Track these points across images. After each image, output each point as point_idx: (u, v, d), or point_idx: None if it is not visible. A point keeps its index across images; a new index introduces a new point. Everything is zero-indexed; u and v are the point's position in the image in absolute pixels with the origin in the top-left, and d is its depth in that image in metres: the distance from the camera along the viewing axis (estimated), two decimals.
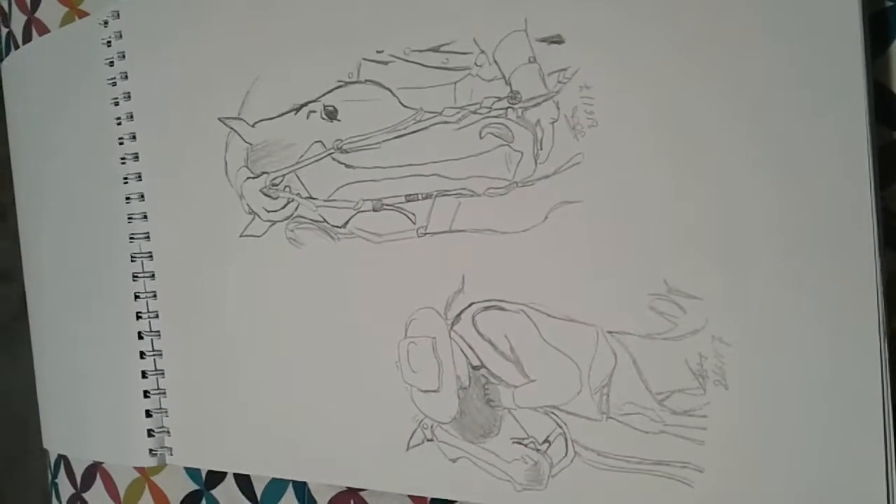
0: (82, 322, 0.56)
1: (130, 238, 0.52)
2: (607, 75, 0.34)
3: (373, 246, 0.41)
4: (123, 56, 0.51)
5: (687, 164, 0.32)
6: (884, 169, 0.30)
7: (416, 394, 0.40)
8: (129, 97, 0.51)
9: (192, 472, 0.54)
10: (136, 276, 0.52)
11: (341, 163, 0.42)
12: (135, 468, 0.57)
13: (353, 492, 0.46)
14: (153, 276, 0.51)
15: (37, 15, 0.60)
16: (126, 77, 0.51)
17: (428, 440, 0.40)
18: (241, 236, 0.46)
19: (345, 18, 0.41)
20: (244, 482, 0.51)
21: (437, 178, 0.39)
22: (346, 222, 0.42)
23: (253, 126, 0.45)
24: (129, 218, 0.51)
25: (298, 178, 0.43)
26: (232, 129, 0.46)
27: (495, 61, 0.36)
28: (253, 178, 0.45)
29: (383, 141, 0.40)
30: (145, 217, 0.51)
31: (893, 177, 0.30)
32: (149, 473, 0.57)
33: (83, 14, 0.56)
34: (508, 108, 0.36)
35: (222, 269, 0.47)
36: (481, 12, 0.37)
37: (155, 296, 0.51)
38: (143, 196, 0.51)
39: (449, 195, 0.38)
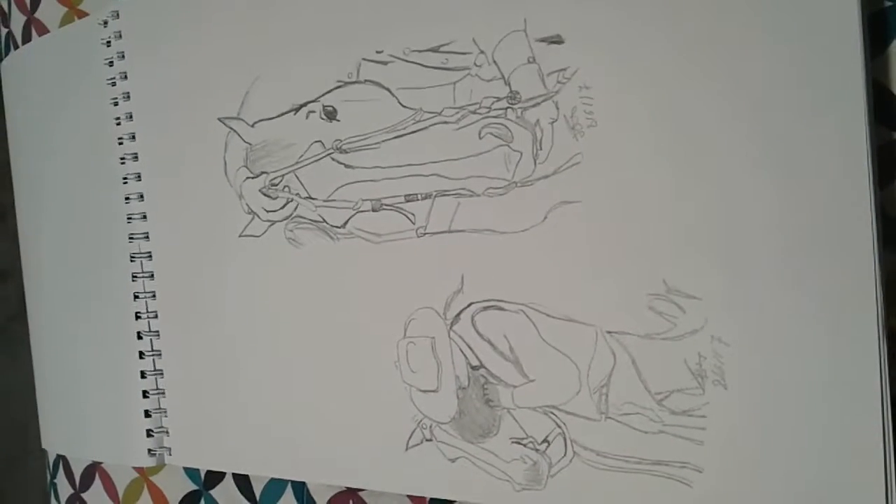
0: (81, 322, 0.56)
1: (130, 238, 0.52)
2: (607, 75, 0.34)
3: (372, 246, 0.41)
4: (123, 56, 0.51)
5: (686, 165, 0.32)
6: (882, 168, 0.30)
7: (416, 394, 0.40)
8: (129, 97, 0.51)
9: (191, 472, 0.54)
10: (136, 276, 0.52)
11: (341, 163, 0.42)
12: (133, 468, 0.57)
13: (352, 492, 0.46)
14: (152, 276, 0.51)
15: (36, 15, 0.60)
16: (125, 77, 0.51)
17: (427, 440, 0.40)
18: (240, 236, 0.46)
19: (344, 18, 0.41)
20: (243, 482, 0.51)
21: (436, 178, 0.39)
22: (346, 222, 0.42)
23: (252, 126, 0.45)
24: (129, 218, 0.51)
25: (298, 178, 0.43)
26: (231, 129, 0.46)
27: (494, 61, 0.37)
28: (252, 177, 0.45)
29: (383, 141, 0.40)
30: (144, 217, 0.51)
31: (892, 176, 0.31)
32: (148, 473, 0.57)
33: (83, 14, 0.56)
34: (508, 108, 0.36)
35: (221, 269, 0.47)
36: (481, 12, 0.37)
37: (154, 296, 0.51)
38: (142, 196, 0.51)
39: (448, 195, 0.38)
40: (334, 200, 0.42)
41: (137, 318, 0.52)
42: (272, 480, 0.49)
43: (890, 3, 0.30)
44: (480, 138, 0.37)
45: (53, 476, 0.65)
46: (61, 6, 0.58)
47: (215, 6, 0.46)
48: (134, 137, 0.51)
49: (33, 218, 0.60)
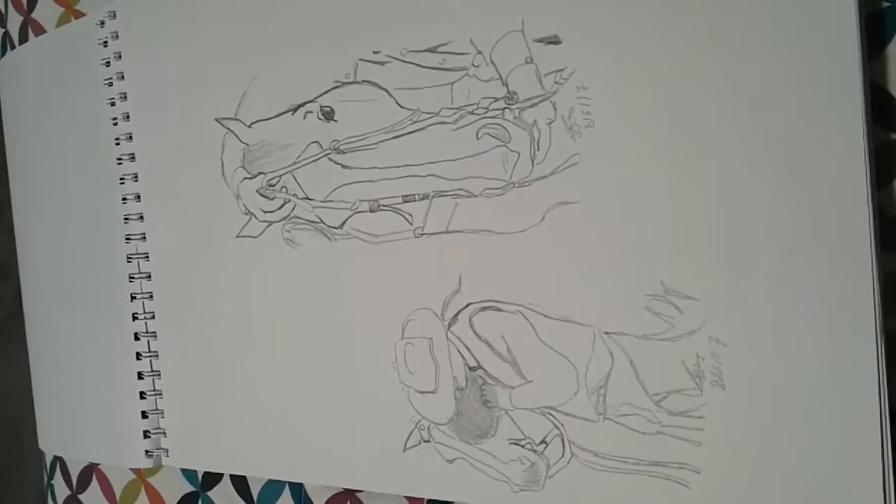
0: (78, 323, 0.56)
1: (127, 239, 0.51)
2: (604, 76, 0.34)
3: (369, 247, 0.41)
4: (120, 56, 0.51)
5: (683, 165, 0.32)
6: (880, 169, 0.30)
7: (413, 395, 0.40)
8: (126, 98, 0.51)
9: (189, 474, 0.54)
10: (133, 277, 0.52)
11: (338, 163, 0.41)
12: (131, 469, 0.57)
13: (349, 493, 0.46)
14: (149, 277, 0.51)
15: (33, 15, 0.60)
16: (122, 77, 0.51)
17: (425, 441, 0.40)
18: (237, 237, 0.46)
19: (342, 19, 0.41)
20: (240, 483, 0.51)
21: (433, 178, 0.39)
22: (343, 223, 0.42)
23: (250, 126, 0.45)
24: (126, 218, 0.51)
25: (295, 178, 0.43)
26: (228, 129, 0.46)
27: (492, 62, 0.36)
28: (249, 178, 0.45)
29: (380, 141, 0.40)
30: (142, 218, 0.51)
31: (890, 177, 0.31)
32: (145, 475, 0.57)
33: (79, 14, 0.56)
34: (505, 108, 0.36)
35: (219, 269, 0.47)
36: (478, 13, 0.37)
37: (151, 297, 0.51)
38: (139, 197, 0.51)
39: (446, 196, 0.38)
40: (332, 201, 0.42)
41: (134, 318, 0.52)
42: (270, 482, 0.49)
43: (887, 4, 0.30)
44: (478, 139, 0.37)
45: (50, 477, 0.65)
46: (58, 6, 0.58)
47: (212, 6, 0.46)
48: (131, 138, 0.51)
49: (30, 218, 0.60)
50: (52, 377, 0.59)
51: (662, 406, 0.34)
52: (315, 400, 0.44)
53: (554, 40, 0.35)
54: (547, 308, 0.36)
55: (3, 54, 0.62)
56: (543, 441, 0.37)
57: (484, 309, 0.38)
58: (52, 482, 0.65)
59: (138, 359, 0.52)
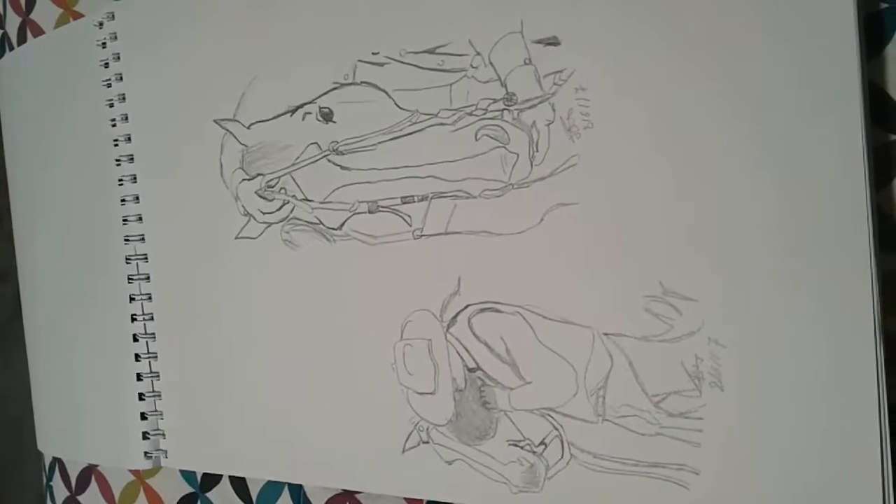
0: (77, 324, 0.56)
1: (125, 240, 0.51)
2: (603, 77, 0.34)
3: (368, 248, 0.41)
4: (118, 58, 0.51)
5: (682, 166, 0.32)
6: (879, 170, 0.30)
7: (412, 396, 0.40)
8: (124, 99, 0.51)
9: (188, 475, 0.54)
10: (132, 279, 0.51)
11: (337, 164, 0.41)
12: (130, 471, 0.57)
13: (348, 494, 0.46)
14: (148, 278, 0.51)
15: (31, 16, 0.60)
16: (121, 79, 0.51)
17: (424, 442, 0.40)
18: (236, 238, 0.46)
19: (340, 20, 0.41)
20: (240, 485, 0.51)
21: (432, 179, 0.39)
22: (342, 224, 0.42)
23: (248, 128, 0.45)
24: (124, 220, 0.51)
25: (294, 179, 0.43)
26: (227, 130, 0.46)
27: (491, 63, 0.36)
28: (248, 179, 0.45)
29: (379, 143, 0.40)
30: (140, 219, 0.51)
31: (888, 178, 0.31)
32: (144, 476, 0.57)
33: (78, 15, 0.56)
34: (504, 109, 0.36)
35: (217, 271, 0.47)
36: (477, 14, 0.37)
37: (150, 298, 0.51)
38: (137, 198, 0.51)
39: (445, 197, 0.38)
40: (331, 202, 0.42)
41: (133, 320, 0.52)
42: (269, 483, 0.49)
43: (886, 5, 0.30)
44: (477, 140, 0.37)
45: (49, 479, 0.65)
46: (56, 7, 0.58)
47: (211, 7, 0.46)
48: (129, 139, 0.51)
49: (29, 219, 0.60)
50: (51, 378, 0.59)
51: (661, 407, 0.34)
52: (314, 401, 0.44)
53: (553, 41, 0.35)
54: (546, 309, 0.36)
55: (2, 55, 0.62)
56: (542, 442, 0.37)
57: (483, 310, 0.38)
58: (51, 483, 0.65)
59: (137, 360, 0.52)
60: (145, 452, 0.52)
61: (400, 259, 0.40)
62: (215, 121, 0.46)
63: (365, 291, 0.41)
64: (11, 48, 0.62)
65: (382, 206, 0.40)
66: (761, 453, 0.31)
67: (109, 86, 0.51)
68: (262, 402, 0.46)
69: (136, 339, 0.52)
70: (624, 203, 0.34)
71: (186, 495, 0.54)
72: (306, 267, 0.43)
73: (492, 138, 0.37)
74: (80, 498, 0.62)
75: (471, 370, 0.38)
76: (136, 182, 0.51)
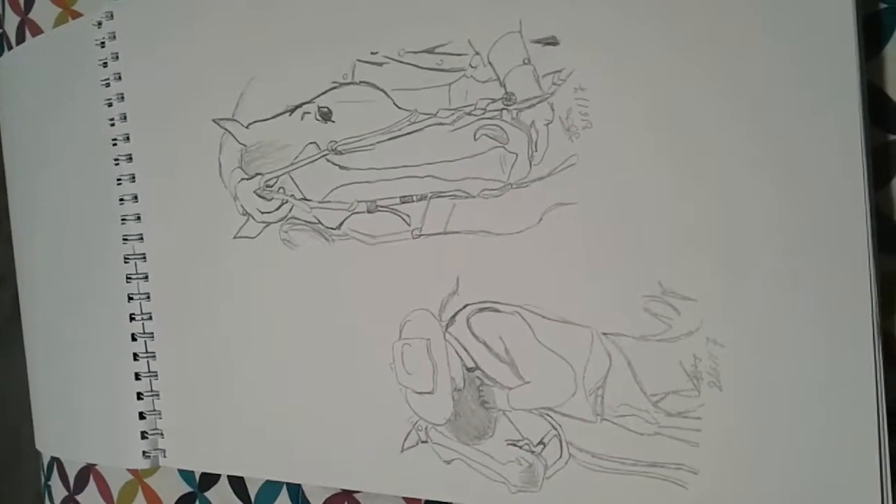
0: (76, 324, 0.56)
1: (124, 239, 0.51)
2: (602, 76, 0.34)
3: (367, 247, 0.41)
4: (117, 57, 0.51)
5: (681, 166, 0.32)
6: (878, 170, 0.30)
7: (411, 395, 0.40)
8: (123, 98, 0.51)
9: (186, 475, 0.54)
10: (130, 278, 0.51)
11: (336, 164, 0.41)
12: (128, 470, 0.57)
13: (347, 494, 0.46)
14: (147, 277, 0.51)
15: (30, 16, 0.60)
16: (119, 78, 0.51)
17: (422, 442, 0.40)
18: (234, 238, 0.46)
19: (339, 20, 0.41)
20: (238, 484, 0.51)
21: (431, 179, 0.39)
22: (341, 224, 0.42)
23: (247, 127, 0.45)
24: (123, 219, 0.51)
25: (293, 179, 0.43)
26: (226, 130, 0.46)
27: (490, 63, 0.36)
28: (247, 179, 0.45)
29: (378, 142, 0.40)
30: (139, 218, 0.51)
31: (887, 178, 0.31)
32: (142, 475, 0.57)
33: (76, 15, 0.56)
34: (503, 109, 0.36)
35: (216, 270, 0.47)
36: (476, 14, 0.37)
37: (148, 297, 0.51)
38: (136, 197, 0.51)
39: (443, 197, 0.38)
40: (329, 202, 0.42)
41: (132, 319, 0.52)
42: (267, 482, 0.49)
43: (885, 6, 0.30)
44: (476, 140, 0.37)
45: (47, 478, 0.65)
46: (55, 7, 0.58)
47: (210, 7, 0.46)
48: (128, 139, 0.51)
49: (27, 219, 0.60)
50: (49, 378, 0.59)
51: (660, 407, 0.34)
52: (313, 401, 0.44)
53: (552, 41, 0.35)
54: (545, 309, 0.36)
55: (1, 55, 0.62)
56: (541, 442, 0.37)
57: (482, 310, 0.38)
58: (50, 483, 0.65)
59: (135, 359, 0.52)
60: (143, 452, 0.52)
61: (398, 259, 0.40)
62: (214, 120, 0.46)
63: (363, 291, 0.41)
64: (10, 47, 0.62)
65: (381, 206, 0.40)
66: (759, 453, 0.32)
67: (108, 85, 0.51)
68: (261, 401, 0.46)
69: (134, 339, 0.52)
70: (623, 203, 0.34)
71: (185, 495, 0.54)
72: (305, 266, 0.43)
73: (491, 138, 0.37)
74: (78, 497, 0.62)
75: (469, 370, 0.38)
76: (134, 181, 0.51)
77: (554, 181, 0.35)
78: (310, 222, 0.43)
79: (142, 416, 0.52)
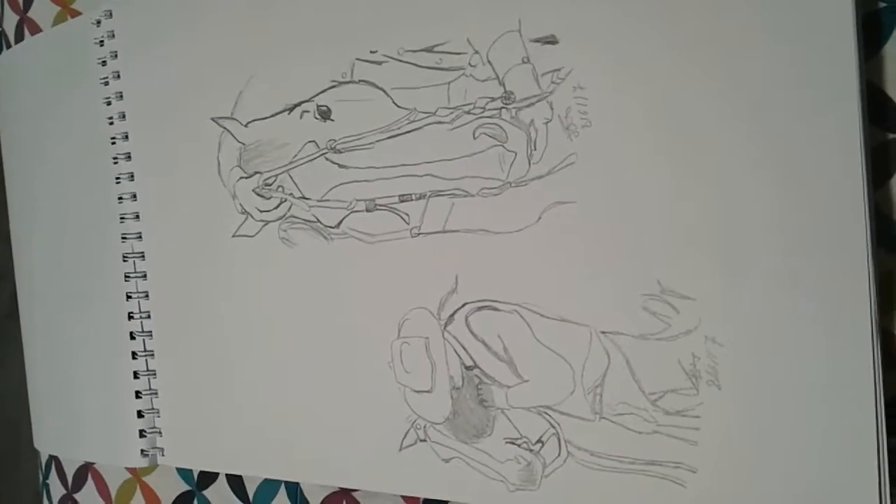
0: (74, 322, 0.56)
1: (122, 238, 0.51)
2: (601, 75, 0.34)
3: (366, 246, 0.41)
4: (116, 55, 0.51)
5: (680, 165, 0.32)
6: (877, 169, 0.30)
7: (409, 394, 0.40)
8: (122, 97, 0.51)
9: (184, 473, 0.54)
10: (128, 276, 0.51)
11: (335, 163, 0.41)
12: (126, 469, 0.57)
13: (345, 492, 0.46)
14: (145, 276, 0.51)
15: (29, 14, 0.60)
16: (118, 76, 0.51)
17: (421, 440, 0.40)
18: (233, 236, 0.46)
19: (339, 18, 0.41)
20: (236, 483, 0.51)
21: (430, 178, 0.39)
22: (340, 222, 0.42)
23: (246, 126, 0.45)
24: (122, 218, 0.51)
25: (291, 178, 0.43)
26: (225, 128, 0.46)
27: (489, 61, 0.36)
28: (246, 177, 0.45)
29: (377, 141, 0.40)
30: (137, 217, 0.51)
31: (886, 177, 0.31)
32: (140, 474, 0.57)
33: (76, 13, 0.56)
34: (502, 108, 0.36)
35: (215, 269, 0.47)
36: (475, 13, 0.37)
37: (147, 296, 0.51)
38: (135, 196, 0.51)
39: (442, 195, 0.38)
40: (328, 200, 0.42)
41: (130, 318, 0.52)
42: (265, 481, 0.49)
43: (884, 5, 0.30)
44: (475, 138, 0.37)
45: (46, 476, 0.65)
46: (54, 5, 0.58)
47: (209, 6, 0.46)
48: (127, 137, 0.51)
49: (26, 217, 0.60)
50: (47, 376, 0.59)
51: (658, 405, 0.34)
52: (311, 399, 0.44)
53: (551, 40, 0.35)
54: (543, 307, 0.36)
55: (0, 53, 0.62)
56: (540, 440, 0.37)
57: (480, 308, 0.38)
58: (48, 481, 0.65)
59: (134, 358, 0.52)
60: (142, 450, 0.52)
61: (397, 257, 0.40)
62: (213, 119, 0.46)
63: (362, 290, 0.41)
64: (9, 46, 0.61)
65: (380, 205, 0.40)
66: (758, 452, 0.32)
67: (107, 84, 0.51)
68: (259, 400, 0.46)
69: (132, 337, 0.52)
70: (622, 202, 0.34)
71: (183, 493, 0.54)
72: (304, 265, 0.43)
73: (490, 137, 0.37)
74: (76, 496, 0.62)
75: (468, 368, 0.38)
76: (133, 180, 0.51)
77: (553, 180, 0.35)
78: (309, 221, 0.43)
79: (140, 414, 0.52)
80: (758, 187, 0.31)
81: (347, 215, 0.41)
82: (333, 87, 0.41)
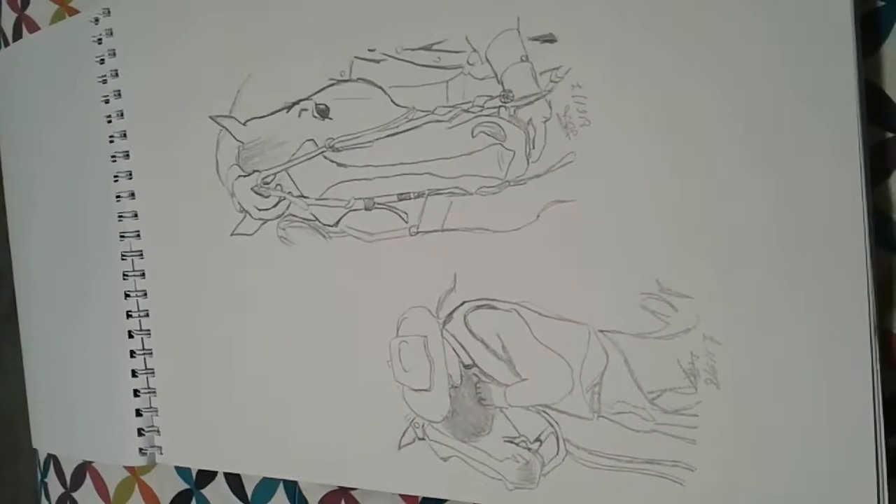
0: (72, 321, 0.56)
1: (121, 236, 0.51)
2: (600, 74, 0.34)
3: (364, 245, 0.41)
4: (114, 54, 0.51)
5: (679, 164, 0.32)
6: (875, 168, 0.30)
7: (408, 393, 0.40)
8: (120, 95, 0.51)
9: (183, 472, 0.54)
10: (127, 275, 0.51)
11: (333, 161, 0.41)
12: (124, 467, 0.57)
13: (344, 491, 0.46)
14: (143, 274, 0.51)
15: (27, 12, 0.60)
16: (117, 75, 0.51)
17: (419, 439, 0.40)
18: (231, 235, 0.46)
19: (337, 17, 0.41)
20: (235, 481, 0.51)
21: (429, 176, 0.39)
22: (338, 221, 0.42)
23: (244, 124, 0.45)
24: (120, 216, 0.51)
25: (290, 176, 0.43)
26: (223, 127, 0.46)
27: (487, 60, 0.36)
28: (244, 176, 0.45)
29: (375, 139, 0.40)
30: (136, 215, 0.51)
31: (884, 175, 0.31)
32: (139, 472, 0.57)
33: (74, 11, 0.56)
34: (500, 106, 0.36)
35: (213, 267, 0.47)
36: (474, 11, 0.37)
37: (145, 294, 0.51)
38: (133, 194, 0.51)
39: (441, 194, 0.38)
40: (327, 199, 0.42)
41: (129, 316, 0.52)
42: (264, 479, 0.49)
43: (882, 3, 0.30)
44: (473, 137, 0.37)
45: (44, 475, 0.65)
46: (52, 3, 0.58)
47: (208, 4, 0.46)
48: (125, 135, 0.51)
49: (24, 216, 0.59)
50: (46, 375, 0.59)
51: (657, 404, 0.34)
52: (309, 398, 0.44)
53: (549, 39, 0.35)
54: (542, 306, 0.36)
55: None
56: (538, 439, 0.37)
57: (479, 307, 0.38)
58: (46, 480, 0.65)
59: (132, 356, 0.52)
60: (140, 449, 0.52)
61: (396, 256, 0.40)
62: (211, 117, 0.46)
63: (361, 288, 0.41)
64: (7, 44, 0.61)
65: (379, 203, 0.40)
66: (756, 450, 0.32)
67: (105, 82, 0.51)
68: (258, 398, 0.46)
69: (131, 336, 0.52)
70: (620, 200, 0.34)
71: (181, 492, 0.54)
72: (302, 264, 0.43)
73: (488, 135, 0.37)
74: (74, 494, 0.62)
75: (466, 367, 0.38)
76: (131, 179, 0.51)
77: (551, 178, 0.35)
78: (307, 219, 0.43)
79: (138, 413, 0.52)
80: (756, 186, 0.31)
81: (346, 214, 0.41)
82: (332, 85, 0.41)
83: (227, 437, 0.48)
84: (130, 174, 0.51)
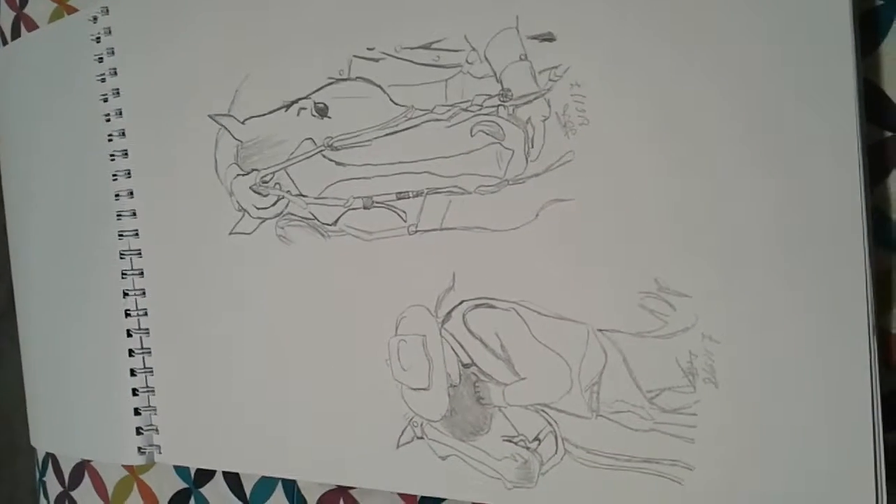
0: (71, 319, 0.56)
1: (119, 235, 0.51)
2: (599, 73, 0.34)
3: (363, 244, 0.41)
4: (113, 52, 0.51)
5: (678, 163, 0.32)
6: (873, 167, 0.30)
7: (407, 391, 0.40)
8: (119, 94, 0.51)
9: (181, 471, 0.54)
10: (125, 274, 0.51)
11: (332, 160, 0.41)
12: (123, 466, 0.57)
13: (342, 490, 0.46)
14: (142, 273, 0.51)
15: (26, 11, 0.60)
16: (115, 73, 0.51)
17: (418, 438, 0.40)
18: (230, 234, 0.46)
19: (336, 16, 0.41)
20: (233, 480, 0.51)
21: (427, 175, 0.39)
22: (337, 220, 0.42)
23: (243, 123, 0.45)
24: (118, 215, 0.51)
25: (289, 175, 0.43)
26: (222, 126, 0.46)
27: (486, 59, 0.36)
28: (243, 175, 0.45)
29: (374, 138, 0.40)
30: (134, 214, 0.51)
31: (883, 175, 0.31)
32: (137, 471, 0.57)
33: (72, 10, 0.56)
34: (499, 105, 0.36)
35: (211, 266, 0.47)
36: (473, 10, 0.37)
37: (144, 293, 0.51)
38: (132, 193, 0.51)
39: (440, 193, 0.38)
40: (325, 198, 0.42)
41: (127, 315, 0.51)
42: (262, 478, 0.49)
43: (881, 2, 0.30)
44: (472, 136, 0.37)
45: (42, 474, 0.65)
46: (51, 2, 0.58)
47: (206, 3, 0.46)
48: (124, 134, 0.51)
49: (22, 214, 0.59)
50: (44, 374, 0.59)
51: (655, 403, 0.34)
52: (308, 397, 0.44)
53: (548, 37, 0.35)
54: (541, 305, 0.36)
55: None
56: (537, 438, 0.37)
57: (477, 306, 0.38)
58: (45, 479, 0.65)
59: (131, 356, 0.52)
60: (139, 448, 0.52)
61: (395, 255, 0.40)
62: (210, 116, 0.46)
63: (359, 287, 0.41)
64: (5, 42, 0.61)
65: (377, 202, 0.40)
66: (755, 449, 0.32)
67: (104, 80, 0.51)
68: (256, 397, 0.46)
69: (129, 335, 0.52)
70: (619, 199, 0.34)
71: (180, 491, 0.54)
72: (301, 262, 0.43)
73: (487, 134, 0.37)
74: (73, 493, 0.61)
75: (465, 366, 0.38)
76: (130, 177, 0.51)
77: (550, 177, 0.35)
78: (306, 218, 0.43)
79: (137, 412, 0.52)
80: (755, 185, 0.31)
81: (345, 212, 0.41)
82: (330, 84, 0.41)
83: (225, 435, 0.48)
84: (129, 173, 0.51)
